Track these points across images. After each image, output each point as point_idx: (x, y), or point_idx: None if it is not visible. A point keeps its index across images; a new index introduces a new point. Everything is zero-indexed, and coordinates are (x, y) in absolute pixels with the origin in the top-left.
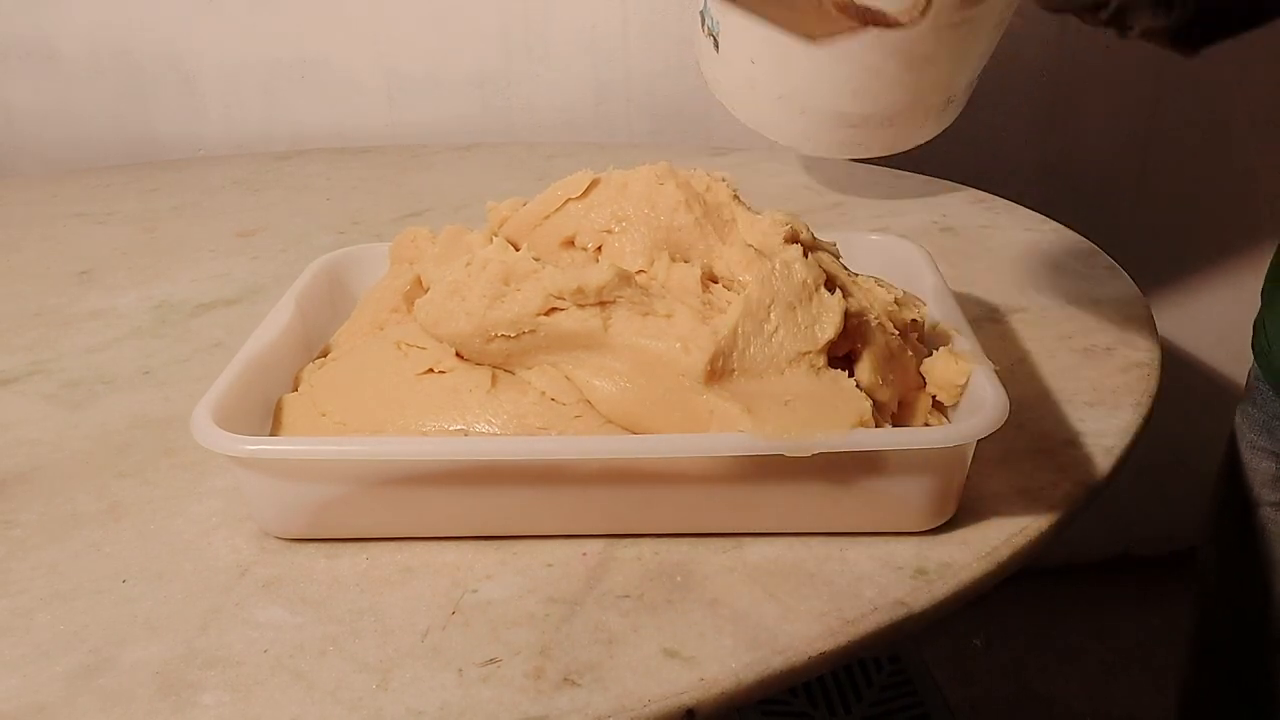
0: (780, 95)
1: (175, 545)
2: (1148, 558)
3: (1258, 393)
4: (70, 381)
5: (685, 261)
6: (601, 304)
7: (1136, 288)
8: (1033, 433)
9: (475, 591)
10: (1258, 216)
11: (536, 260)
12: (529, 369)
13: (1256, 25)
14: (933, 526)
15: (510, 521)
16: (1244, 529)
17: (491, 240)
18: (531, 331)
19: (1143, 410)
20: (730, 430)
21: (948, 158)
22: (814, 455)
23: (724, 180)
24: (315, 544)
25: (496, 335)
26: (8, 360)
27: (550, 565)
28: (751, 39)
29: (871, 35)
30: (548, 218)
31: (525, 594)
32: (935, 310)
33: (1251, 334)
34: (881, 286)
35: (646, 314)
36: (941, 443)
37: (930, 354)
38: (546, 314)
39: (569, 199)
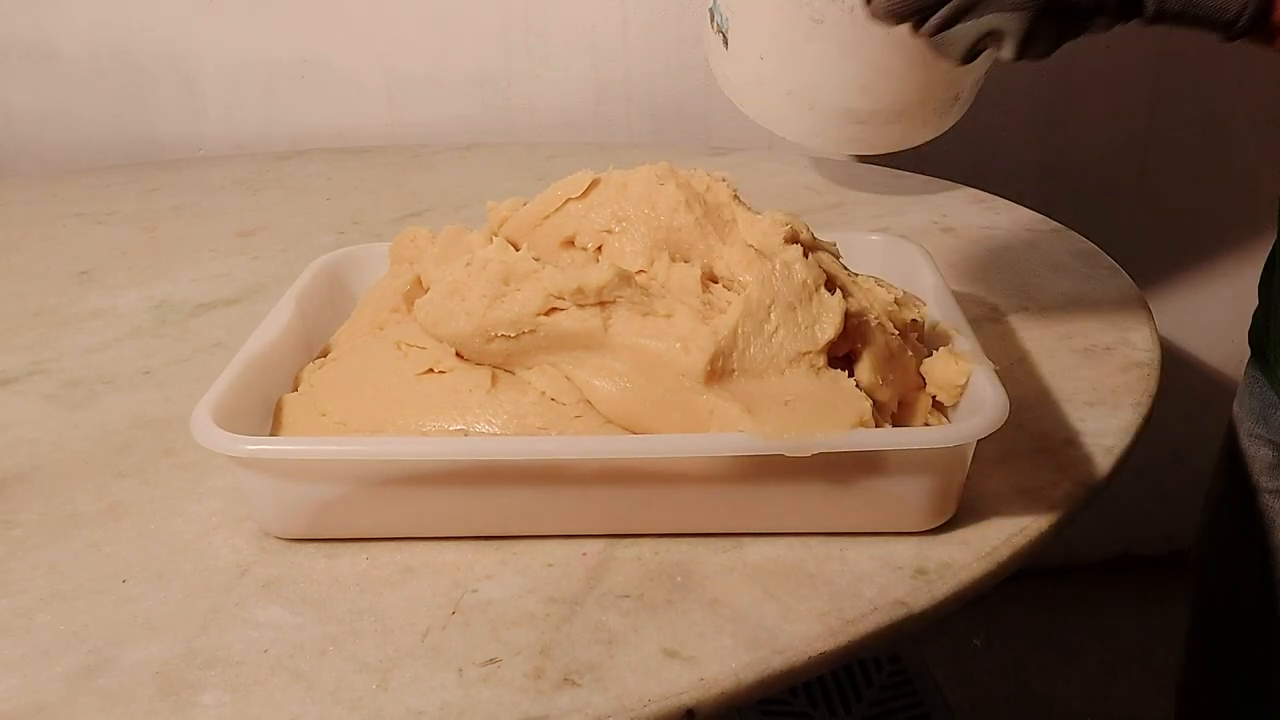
0: (789, 91)
1: (175, 545)
2: (1148, 558)
3: (1254, 382)
4: (70, 381)
5: (685, 261)
6: (601, 304)
7: (1136, 288)
8: (1033, 433)
9: (475, 591)
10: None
11: (536, 260)
12: (529, 369)
13: (1102, 20)
14: (933, 526)
15: (510, 521)
16: (1242, 516)
17: (491, 240)
18: (531, 331)
19: (1142, 410)
20: (730, 430)
21: (948, 158)
22: (814, 455)
23: (724, 180)
24: (315, 544)
25: (496, 335)
26: (8, 360)
27: (550, 565)
28: (761, 35)
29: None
30: (548, 218)
31: (525, 594)
32: (935, 310)
33: (1249, 326)
34: (881, 286)
35: (646, 314)
36: (941, 443)
37: (930, 354)
38: (546, 314)
39: (569, 199)
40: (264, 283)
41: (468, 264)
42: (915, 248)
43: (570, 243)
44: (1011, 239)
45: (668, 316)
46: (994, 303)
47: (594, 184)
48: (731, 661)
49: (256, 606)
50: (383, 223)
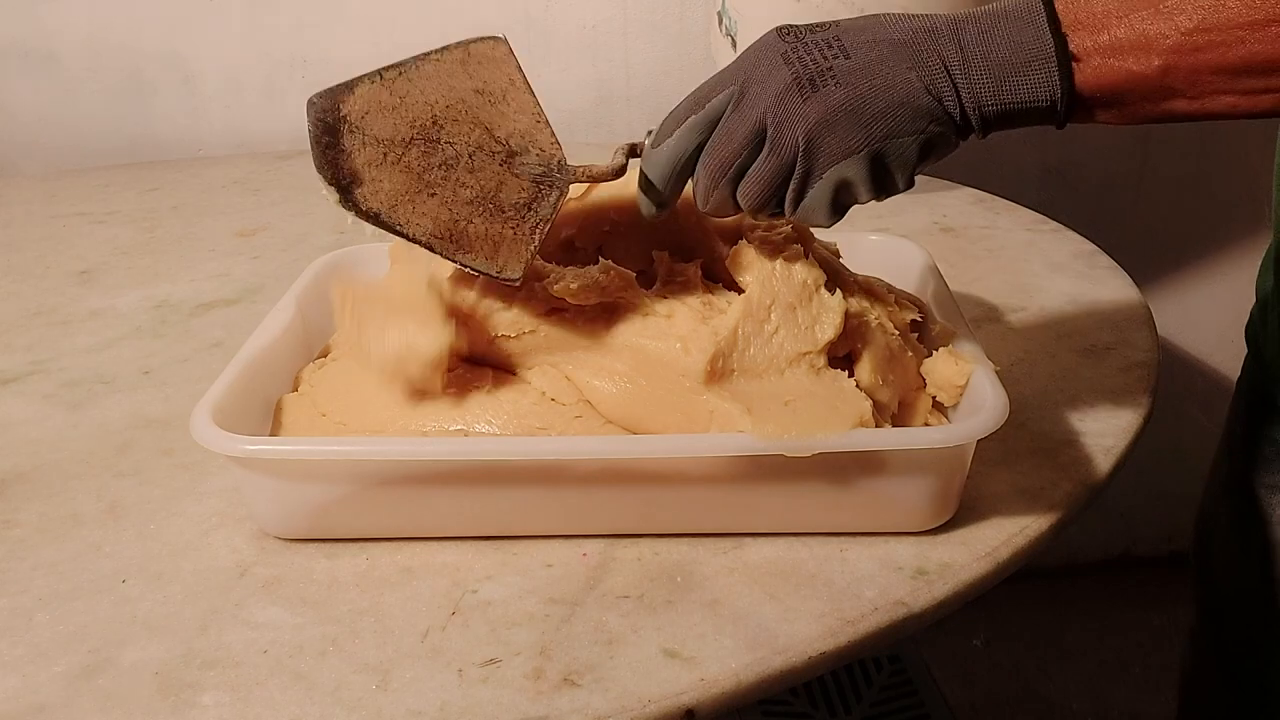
0: None
1: (175, 545)
2: (1148, 558)
3: (1251, 377)
4: (70, 381)
5: (685, 262)
6: (602, 305)
7: (1136, 288)
8: (1033, 433)
9: (475, 592)
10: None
11: (537, 261)
12: (529, 369)
13: (942, 148)
14: (933, 526)
15: (510, 522)
16: (1240, 511)
17: None
18: (532, 332)
19: (1142, 410)
20: (730, 430)
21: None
22: (814, 455)
23: None
24: (315, 544)
25: (497, 336)
26: (8, 360)
27: (550, 565)
28: None
29: None
30: None
31: (525, 594)
32: (935, 310)
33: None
34: (881, 286)
35: (646, 314)
36: (941, 443)
37: (930, 354)
38: (546, 315)
39: (569, 199)
40: (264, 283)
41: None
42: (915, 248)
43: (570, 243)
44: (1011, 239)
45: (668, 317)
46: (994, 303)
47: (593, 185)
48: (731, 662)
49: (256, 607)
50: None
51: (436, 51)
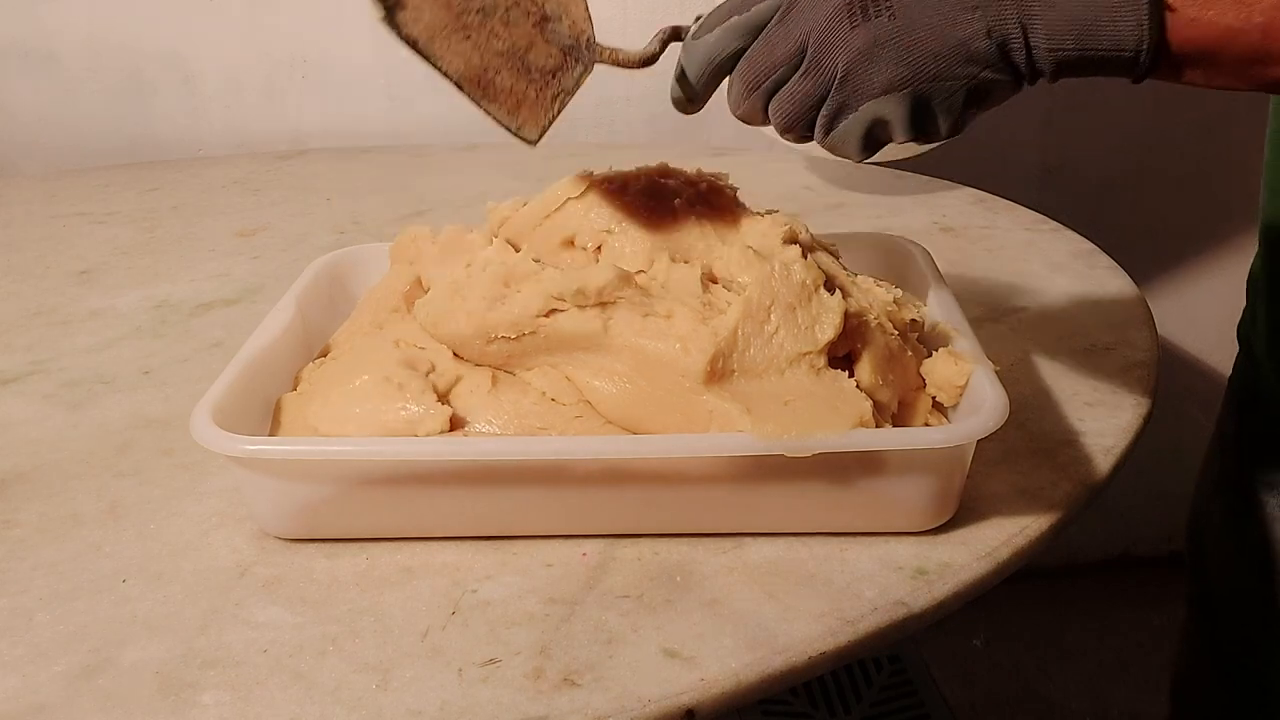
0: None
1: (175, 545)
2: (1147, 558)
3: (1243, 376)
4: (70, 381)
5: (685, 262)
6: (602, 305)
7: (1136, 288)
8: (1033, 433)
9: (475, 592)
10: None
11: (537, 262)
12: (529, 370)
13: (999, 92)
14: (933, 526)
15: (510, 522)
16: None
17: (492, 241)
18: (532, 333)
19: (1142, 410)
20: (730, 431)
21: (948, 158)
22: (814, 455)
23: (723, 180)
24: (315, 544)
25: (497, 336)
26: (8, 360)
27: (550, 565)
28: None
29: None
30: (548, 218)
31: (525, 594)
32: (935, 310)
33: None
34: (881, 286)
35: (647, 315)
36: (941, 443)
37: (930, 354)
38: (546, 315)
39: (569, 199)
40: (264, 283)
41: (468, 265)
42: (915, 248)
43: (570, 243)
44: (1011, 239)
45: (668, 317)
46: (994, 303)
47: (594, 184)
48: (731, 661)
49: (256, 606)
50: (383, 223)
51: None
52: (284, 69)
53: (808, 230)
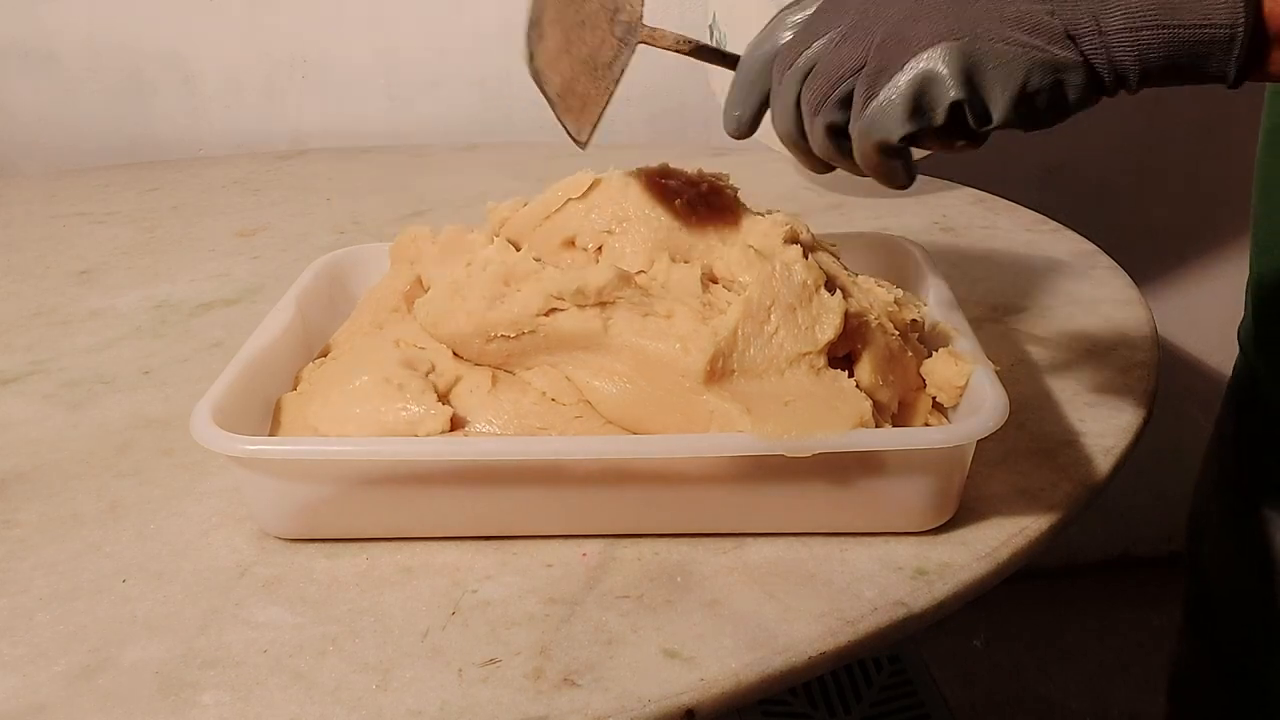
0: None
1: (175, 545)
2: (1147, 558)
3: (1242, 378)
4: (70, 381)
5: (685, 262)
6: (601, 304)
7: (1136, 288)
8: (1033, 433)
9: (475, 592)
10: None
11: (537, 261)
12: (529, 369)
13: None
14: (933, 527)
15: (510, 522)
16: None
17: (492, 240)
18: (531, 332)
19: (1142, 410)
20: (730, 430)
21: (948, 158)
22: (814, 455)
23: (724, 180)
24: (315, 544)
25: (496, 335)
26: (8, 360)
27: (550, 565)
28: None
29: None
30: (548, 218)
31: (525, 594)
32: (935, 310)
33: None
34: (881, 287)
35: (647, 314)
36: (941, 443)
37: (930, 354)
38: (546, 315)
39: (569, 199)
40: (264, 283)
41: (468, 264)
42: (915, 248)
43: (571, 243)
44: (1011, 239)
45: (668, 317)
46: (994, 303)
47: (595, 184)
48: (731, 661)
49: (256, 606)
50: (383, 223)
51: None
52: (284, 69)
53: (808, 230)
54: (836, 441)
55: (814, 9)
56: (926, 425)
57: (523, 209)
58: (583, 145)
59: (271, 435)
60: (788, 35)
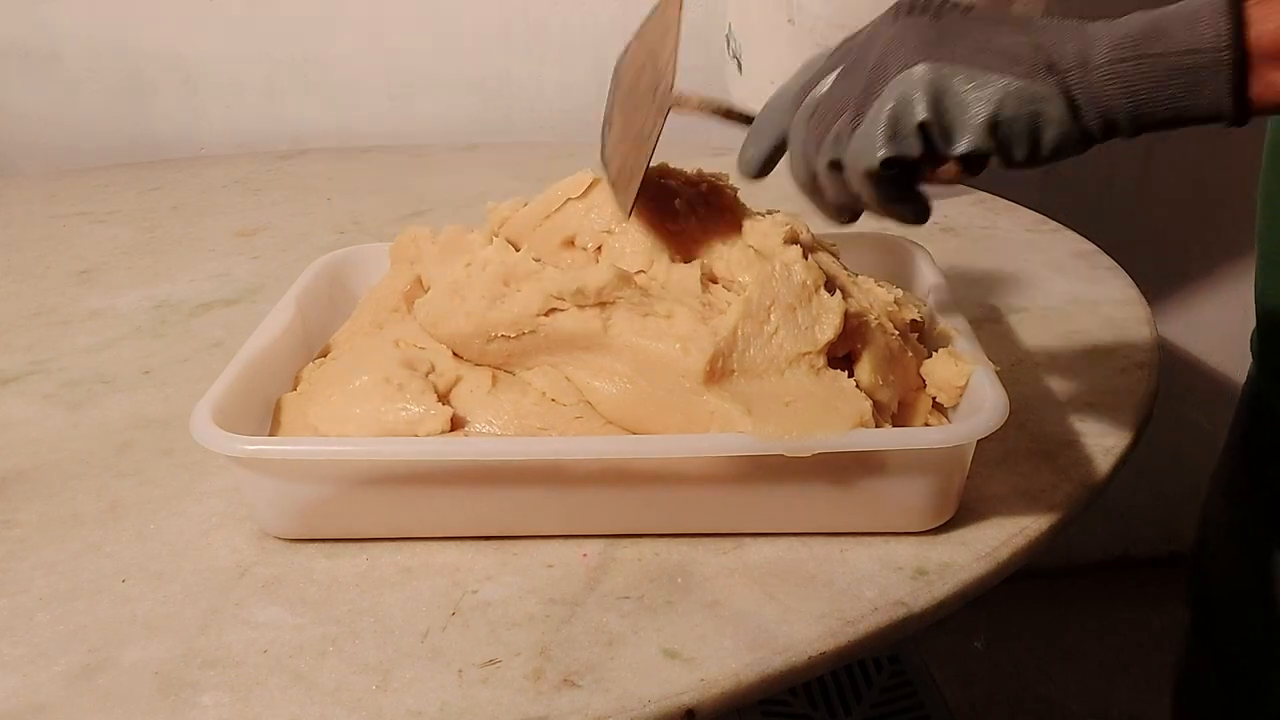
0: None
1: (175, 545)
2: (1147, 559)
3: (1252, 384)
4: (70, 381)
5: (685, 262)
6: (601, 304)
7: (1136, 288)
8: (1033, 433)
9: (475, 592)
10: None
11: (537, 261)
12: (529, 369)
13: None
14: (933, 527)
15: (510, 522)
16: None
17: (492, 240)
18: (531, 332)
19: (1142, 411)
20: (730, 431)
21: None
22: (814, 455)
23: (724, 180)
24: (315, 544)
25: (496, 336)
26: (8, 360)
27: (550, 566)
28: (769, 63)
29: None
30: (548, 218)
31: (525, 595)
32: (935, 310)
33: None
34: (881, 287)
35: (646, 314)
36: (941, 443)
37: (930, 354)
38: (546, 315)
39: (569, 199)
40: (264, 283)
41: (468, 264)
42: (915, 248)
43: (570, 243)
44: (1011, 239)
45: (668, 317)
46: (994, 303)
47: (594, 184)
48: (731, 662)
49: (256, 607)
50: (383, 223)
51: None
52: (284, 69)
53: (808, 230)
54: (836, 441)
55: (831, 51)
56: (926, 425)
57: (522, 209)
58: (626, 217)
59: (271, 435)
60: (804, 79)
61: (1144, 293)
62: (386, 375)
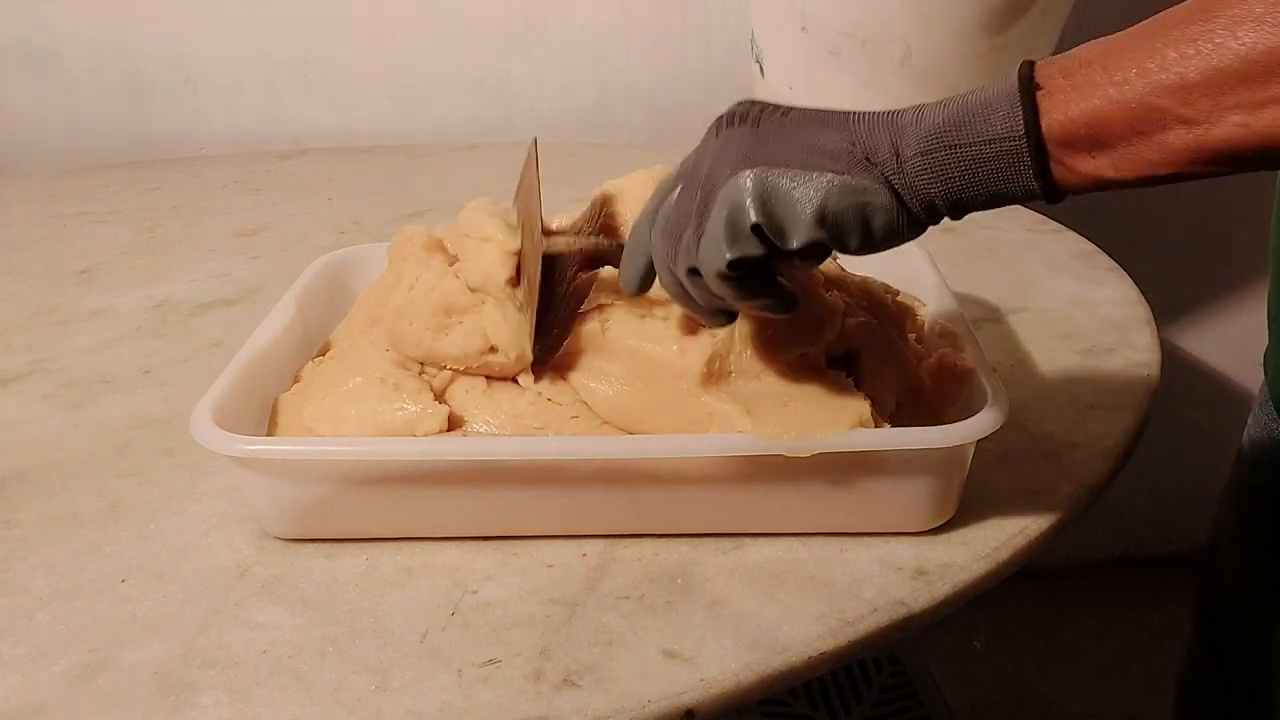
0: None
1: (175, 545)
2: (1147, 559)
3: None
4: (70, 381)
5: None
6: (599, 306)
7: (1137, 288)
8: (1033, 433)
9: (475, 592)
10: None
11: (474, 292)
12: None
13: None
14: (933, 527)
15: (510, 522)
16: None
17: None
18: (481, 366)
19: (1142, 412)
20: (730, 431)
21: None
22: (813, 455)
23: None
24: (315, 544)
25: (446, 367)
26: (8, 360)
27: (550, 566)
28: (789, 67)
29: None
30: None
31: (525, 595)
32: (935, 310)
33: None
34: (881, 287)
35: (644, 316)
36: (941, 443)
37: (930, 354)
38: (490, 351)
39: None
40: (264, 283)
41: (411, 288)
42: (915, 248)
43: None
44: (1011, 239)
45: (665, 319)
46: (994, 303)
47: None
48: (731, 662)
49: (256, 607)
50: (383, 222)
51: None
52: (284, 69)
53: None
54: (836, 441)
55: (676, 170)
56: (926, 425)
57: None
58: (533, 364)
59: (268, 435)
60: (657, 198)
61: (1144, 293)
62: (382, 375)
